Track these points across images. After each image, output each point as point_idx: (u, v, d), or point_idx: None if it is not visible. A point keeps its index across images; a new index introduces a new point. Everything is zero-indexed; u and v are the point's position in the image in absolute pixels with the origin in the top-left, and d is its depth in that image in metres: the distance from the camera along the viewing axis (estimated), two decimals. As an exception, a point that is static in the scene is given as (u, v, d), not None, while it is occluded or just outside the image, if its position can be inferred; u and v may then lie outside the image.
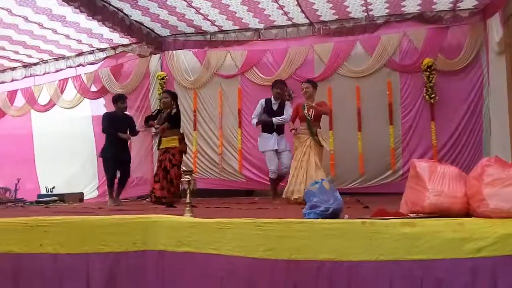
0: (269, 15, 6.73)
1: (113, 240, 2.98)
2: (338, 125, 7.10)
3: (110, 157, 6.03)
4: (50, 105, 8.63)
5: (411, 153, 6.75)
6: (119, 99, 6.21)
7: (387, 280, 2.38)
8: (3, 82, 8.75)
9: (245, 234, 2.69)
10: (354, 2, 6.19)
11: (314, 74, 7.11)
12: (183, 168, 5.55)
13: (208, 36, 7.53)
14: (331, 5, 6.31)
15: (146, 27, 7.20)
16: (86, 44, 7.62)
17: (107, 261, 2.94)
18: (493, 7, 5.99)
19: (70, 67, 8.17)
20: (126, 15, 6.57)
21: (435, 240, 2.36)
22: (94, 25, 6.68)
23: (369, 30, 6.85)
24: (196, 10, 6.49)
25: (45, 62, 8.29)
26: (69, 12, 6.12)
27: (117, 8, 6.32)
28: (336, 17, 6.80)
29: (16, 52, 7.72)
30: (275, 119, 5.78)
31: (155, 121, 5.89)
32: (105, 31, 6.95)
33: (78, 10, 5.87)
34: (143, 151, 7.81)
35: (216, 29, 7.34)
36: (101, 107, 8.20)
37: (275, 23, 7.09)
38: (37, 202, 7.03)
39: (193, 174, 3.51)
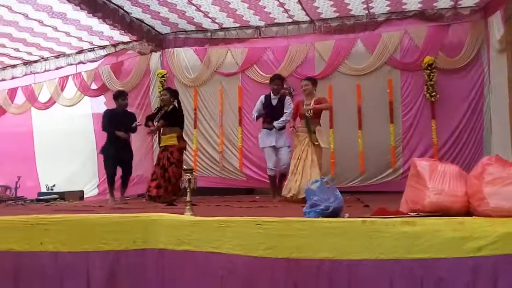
0: (270, 13, 6.72)
1: (114, 238, 2.98)
2: (339, 123, 7.09)
3: (110, 155, 6.02)
4: (50, 102, 8.63)
5: (412, 152, 6.74)
6: (119, 96, 6.20)
7: (387, 279, 2.38)
8: (3, 80, 8.76)
9: (245, 232, 2.69)
10: (355, -1, 6.19)
11: (314, 72, 7.09)
12: (184, 166, 5.52)
13: (209, 34, 7.52)
14: (331, 2, 6.30)
15: (147, 24, 7.20)
16: (87, 41, 7.61)
17: (107, 259, 2.95)
18: (494, 5, 5.98)
19: (71, 64, 8.17)
20: (127, 12, 6.56)
21: (436, 239, 2.36)
22: (95, 23, 6.67)
23: (370, 28, 6.84)
24: (197, 8, 6.48)
25: (46, 59, 8.29)
26: (69, 9, 6.11)
27: (117, 6, 6.31)
28: (337, 14, 6.79)
29: (17, 50, 7.72)
30: (276, 123, 5.75)
31: (155, 119, 5.87)
32: (105, 28, 6.94)
33: (78, 8, 5.87)
34: (143, 149, 7.80)
35: (216, 26, 7.33)
36: (101, 104, 8.19)
37: (275, 21, 7.07)
38: (38, 200, 7.03)
39: (193, 173, 3.51)
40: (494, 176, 2.50)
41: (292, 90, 7.04)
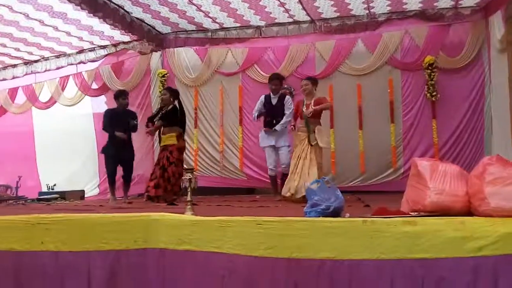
0: (270, 12, 6.72)
1: (114, 238, 2.98)
2: (339, 123, 7.08)
3: (111, 155, 6.02)
4: (51, 102, 8.63)
5: (412, 152, 6.74)
6: (120, 95, 6.19)
7: (388, 279, 2.38)
8: (4, 79, 8.77)
9: (246, 232, 2.69)
10: (355, -1, 6.19)
11: (315, 72, 7.09)
12: (185, 166, 5.51)
13: (209, 34, 7.52)
14: (332, 2, 6.30)
15: (147, 24, 7.20)
16: (87, 41, 7.62)
17: (108, 259, 2.95)
18: (495, 5, 5.97)
19: (71, 64, 8.18)
20: (127, 12, 6.57)
21: (436, 238, 2.36)
22: (95, 22, 6.67)
23: (370, 28, 6.84)
24: (197, 7, 6.48)
25: (46, 59, 8.30)
26: (70, 9, 6.12)
27: (118, 5, 6.31)
28: (338, 14, 6.78)
29: (17, 49, 7.72)
30: (277, 127, 5.75)
31: (155, 120, 5.86)
32: (106, 28, 6.94)
33: (79, 7, 5.88)
34: (144, 149, 7.79)
35: (217, 26, 7.33)
36: (102, 104, 8.19)
37: (276, 21, 7.07)
38: (38, 200, 7.04)
39: (194, 172, 3.51)
40: (495, 176, 2.50)
41: (292, 89, 7.04)
